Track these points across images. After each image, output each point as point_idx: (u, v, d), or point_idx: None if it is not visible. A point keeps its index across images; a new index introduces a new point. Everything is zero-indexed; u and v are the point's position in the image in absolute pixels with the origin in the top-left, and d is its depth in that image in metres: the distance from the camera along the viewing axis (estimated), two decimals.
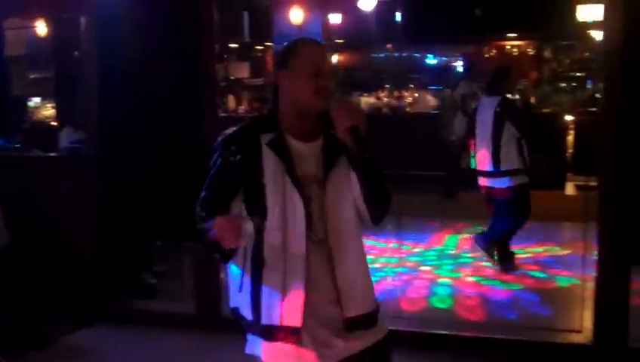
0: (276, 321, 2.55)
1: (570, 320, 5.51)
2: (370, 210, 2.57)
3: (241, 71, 14.70)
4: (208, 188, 2.66)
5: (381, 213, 2.62)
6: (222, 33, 6.85)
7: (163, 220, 5.91)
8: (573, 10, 11.35)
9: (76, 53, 6.76)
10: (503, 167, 6.74)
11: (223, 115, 8.29)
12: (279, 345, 2.57)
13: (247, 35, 13.20)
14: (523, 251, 7.48)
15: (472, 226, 8.58)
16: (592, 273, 5.04)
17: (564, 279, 6.78)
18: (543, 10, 11.94)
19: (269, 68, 13.24)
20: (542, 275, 6.95)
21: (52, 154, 7.19)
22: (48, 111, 12.30)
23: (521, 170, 6.77)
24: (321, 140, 2.60)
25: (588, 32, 11.19)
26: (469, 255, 7.71)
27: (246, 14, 12.72)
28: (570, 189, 9.15)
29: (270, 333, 2.58)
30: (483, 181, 6.95)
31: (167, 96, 5.72)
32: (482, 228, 7.28)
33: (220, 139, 2.66)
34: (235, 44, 14.03)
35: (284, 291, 2.52)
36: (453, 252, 7.81)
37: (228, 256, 2.55)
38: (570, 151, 10.31)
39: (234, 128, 2.68)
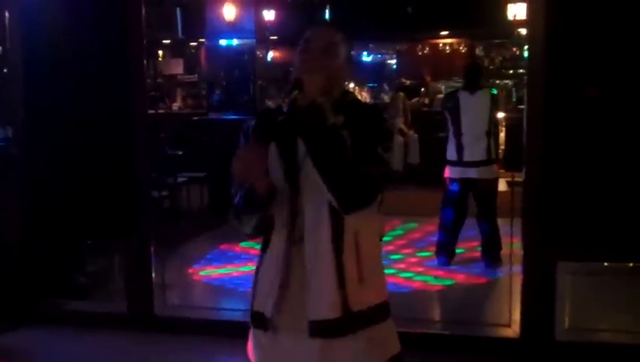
0: (261, 308, 2.51)
1: (499, 315, 5.60)
2: (333, 196, 2.29)
3: (175, 67, 14.60)
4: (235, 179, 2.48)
5: (351, 200, 2.31)
6: (154, 29, 6.77)
7: (93, 219, 5.82)
8: (505, 9, 11.55)
9: (0, 48, 6.60)
10: (492, 157, 7.07)
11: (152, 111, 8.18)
12: (259, 333, 2.54)
13: (180, 31, 13.11)
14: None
15: (404, 223, 8.69)
16: (520, 268, 5.14)
17: (494, 274, 6.89)
18: (475, 8, 12.13)
19: (203, 64, 13.16)
20: (473, 270, 7.05)
21: None
22: None
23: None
24: None
25: (519, 30, 11.39)
26: (402, 251, 7.79)
27: (179, 10, 12.63)
28: (501, 185, 9.29)
29: (256, 319, 2.55)
30: (466, 172, 7.06)
31: (94, 92, 5.63)
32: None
33: (245, 125, 2.57)
34: (168, 40, 13.92)
35: (271, 280, 2.47)
36: (386, 248, 7.86)
37: (265, 204, 2.37)
38: (502, 148, 10.47)
39: (264, 111, 2.65)
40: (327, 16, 9.78)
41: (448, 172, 7.15)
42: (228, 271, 7.28)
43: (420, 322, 5.62)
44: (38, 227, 5.96)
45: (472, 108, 7.07)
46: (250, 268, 7.10)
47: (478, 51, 14.94)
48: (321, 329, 2.39)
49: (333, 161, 2.26)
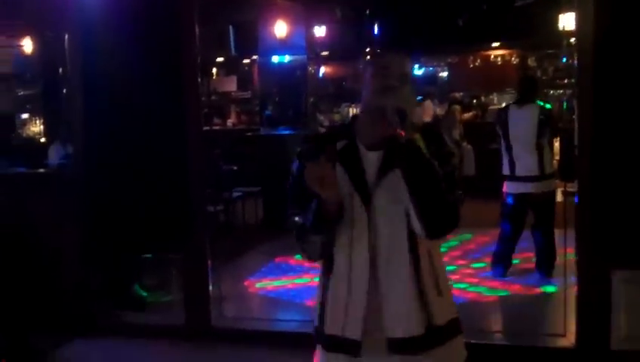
0: (338, 332, 2.50)
1: (554, 325, 5.57)
2: (422, 223, 2.35)
3: (229, 84, 14.82)
4: (291, 200, 2.55)
5: (438, 226, 2.39)
6: (208, 48, 6.91)
7: (151, 233, 5.96)
8: (556, 19, 11.47)
9: (61, 70, 6.81)
10: (547, 171, 6.98)
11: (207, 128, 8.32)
12: (340, 357, 2.53)
13: (233, 49, 13.30)
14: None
15: (459, 234, 8.67)
16: (574, 278, 5.12)
17: (549, 284, 6.84)
18: (526, 19, 12.08)
19: (256, 81, 13.34)
20: (527, 281, 7.01)
21: (39, 171, 7.24)
22: (37, 127, 12.37)
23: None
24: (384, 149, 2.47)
25: (571, 40, 11.30)
26: (456, 262, 7.78)
27: (231, 29, 12.82)
28: (558, 196, 9.22)
29: (331, 343, 2.55)
30: (522, 187, 7.03)
31: (150, 110, 5.77)
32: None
33: (300, 148, 2.58)
34: (222, 58, 14.13)
35: (347, 301, 2.47)
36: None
37: (334, 222, 2.41)
38: (557, 158, 10.38)
39: (315, 135, 2.68)
40: (377, 30, 9.85)
41: (505, 186, 7.12)
42: (283, 283, 7.36)
43: (474, 332, 5.62)
44: (97, 241, 6.12)
45: (521, 122, 7.01)
46: (304, 280, 7.22)
47: (531, 62, 14.85)
48: (402, 346, 2.44)
49: (430, 193, 2.32)
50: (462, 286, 6.96)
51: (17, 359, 5.42)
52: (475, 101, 13.96)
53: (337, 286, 2.50)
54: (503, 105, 8.44)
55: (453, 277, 7.22)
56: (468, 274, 7.34)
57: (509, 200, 7.08)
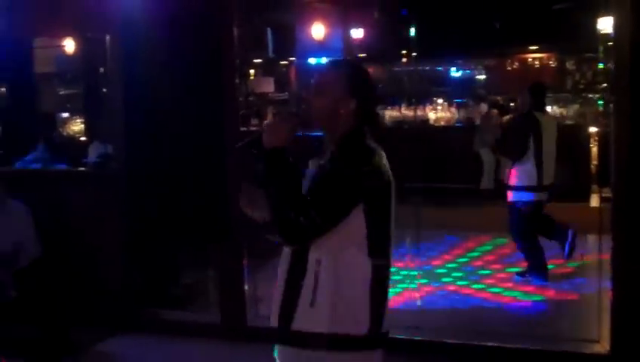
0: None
1: (588, 330, 5.55)
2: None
3: (266, 86, 14.90)
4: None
5: (279, 233, 2.59)
6: (245, 49, 6.98)
7: (188, 232, 6.04)
8: (594, 22, 11.37)
9: (102, 70, 6.93)
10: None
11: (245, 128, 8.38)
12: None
13: (271, 50, 13.39)
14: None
15: (493, 238, 8.66)
16: (609, 283, 5.10)
17: (583, 290, 6.81)
18: (564, 22, 11.98)
19: (293, 82, 13.41)
20: (563, 286, 6.98)
21: (80, 169, 7.37)
22: (77, 126, 12.54)
23: None
24: None
25: (610, 43, 11.19)
26: (491, 266, 7.77)
27: (269, 30, 12.91)
28: (594, 201, 9.15)
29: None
30: (543, 196, 7.04)
31: (189, 110, 5.85)
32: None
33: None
34: (259, 59, 14.22)
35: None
36: (475, 264, 7.86)
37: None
38: (595, 163, 10.30)
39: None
40: (414, 32, 9.83)
41: (532, 196, 7.01)
42: None
43: (508, 337, 5.62)
44: (137, 239, 6.22)
45: (549, 129, 7.01)
46: None
47: (569, 65, 14.72)
48: (277, 334, 2.72)
49: (274, 201, 2.57)
50: (496, 290, 6.96)
51: (58, 353, 5.53)
52: (512, 105, 13.86)
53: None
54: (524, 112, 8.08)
55: (488, 281, 7.22)
56: (502, 279, 7.33)
57: (533, 209, 7.04)
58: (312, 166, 2.76)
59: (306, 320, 2.59)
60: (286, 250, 2.69)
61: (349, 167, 2.57)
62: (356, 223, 2.57)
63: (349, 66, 2.85)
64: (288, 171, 2.58)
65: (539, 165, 6.90)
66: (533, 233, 7.08)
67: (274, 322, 2.70)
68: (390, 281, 2.72)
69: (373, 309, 2.61)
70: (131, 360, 5.75)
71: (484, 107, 12.99)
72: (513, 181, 7.02)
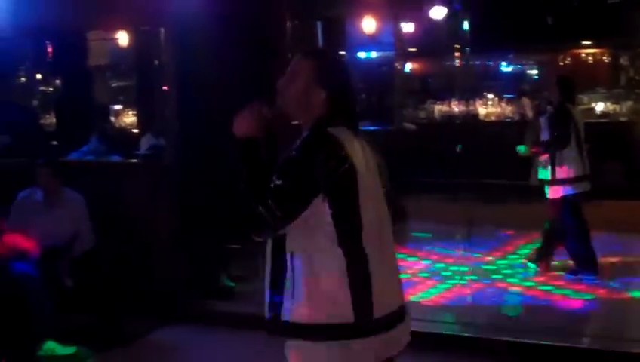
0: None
1: (639, 330, 5.48)
2: None
3: None
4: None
5: (248, 221, 2.60)
6: (295, 43, 7.01)
7: (238, 224, 6.08)
8: None
9: (156, 62, 7.01)
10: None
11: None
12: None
13: (321, 44, 13.37)
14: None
15: None
16: None
17: (636, 289, 6.71)
18: (618, 17, 11.80)
19: None
20: (614, 285, 6.89)
21: (132, 161, 7.47)
22: (129, 118, 12.71)
23: None
24: None
25: None
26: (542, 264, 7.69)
27: (319, 24, 12.90)
28: None
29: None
30: (586, 186, 7.10)
31: (240, 104, 5.88)
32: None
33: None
34: None
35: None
36: (525, 260, 7.78)
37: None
38: None
39: None
40: (467, 26, 9.79)
41: (576, 187, 7.03)
42: None
43: (558, 335, 5.58)
44: (187, 230, 6.28)
45: (581, 121, 7.11)
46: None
47: (623, 60, 14.47)
48: (266, 323, 2.74)
49: (245, 189, 2.58)
50: (547, 288, 6.88)
51: (111, 342, 5.63)
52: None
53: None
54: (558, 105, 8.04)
55: (539, 279, 7.15)
56: (554, 277, 7.24)
57: (577, 200, 7.07)
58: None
59: (289, 311, 2.61)
60: (269, 244, 2.70)
61: (302, 156, 2.55)
62: (320, 214, 2.54)
63: (319, 56, 2.83)
64: (254, 162, 2.60)
65: (581, 154, 6.97)
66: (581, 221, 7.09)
67: (266, 315, 2.71)
68: (375, 269, 2.62)
69: (357, 298, 2.57)
70: (180, 351, 5.82)
71: (526, 102, 12.85)
72: (562, 174, 7.01)
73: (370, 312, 2.59)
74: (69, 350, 5.45)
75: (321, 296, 2.57)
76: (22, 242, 5.49)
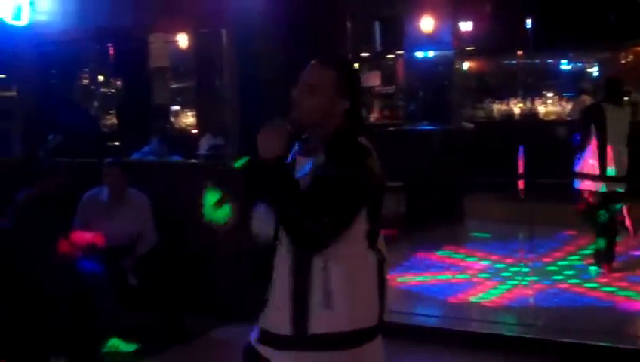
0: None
1: None
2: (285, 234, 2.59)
3: (373, 79, 14.91)
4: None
5: (295, 241, 2.55)
6: (354, 43, 7.04)
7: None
8: None
9: (217, 64, 7.09)
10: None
11: None
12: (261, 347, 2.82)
13: (379, 44, 13.39)
14: None
15: None
16: None
17: None
18: None
19: (400, 76, 13.39)
20: None
21: (192, 161, 7.56)
22: (188, 119, 12.89)
23: None
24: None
25: None
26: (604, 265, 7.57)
27: (377, 24, 12.92)
28: None
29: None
30: (613, 186, 7.17)
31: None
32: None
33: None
34: (367, 53, 14.25)
35: None
36: (588, 261, 7.67)
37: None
38: None
39: None
40: (528, 25, 9.71)
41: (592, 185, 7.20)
42: (425, 278, 7.37)
43: (621, 337, 5.50)
44: (247, 229, 6.32)
45: (618, 121, 7.14)
46: (446, 276, 7.23)
47: None
48: (270, 340, 2.72)
49: (279, 209, 2.55)
50: (610, 289, 6.78)
51: (173, 339, 5.72)
52: (626, 98, 13.42)
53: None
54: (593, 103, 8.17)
55: (601, 280, 7.04)
56: (616, 278, 7.13)
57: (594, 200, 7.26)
58: (300, 163, 2.71)
59: (323, 323, 2.56)
60: (282, 255, 2.66)
61: (355, 169, 2.54)
62: (359, 223, 2.57)
63: (340, 65, 2.78)
64: (291, 182, 2.53)
65: (601, 155, 7.09)
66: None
67: (285, 329, 2.62)
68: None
69: (381, 299, 2.65)
70: (240, 349, 5.86)
71: (585, 99, 12.66)
72: (584, 170, 7.28)
73: (383, 312, 2.68)
74: (132, 347, 5.57)
75: (360, 302, 2.60)
76: (89, 237, 5.60)
